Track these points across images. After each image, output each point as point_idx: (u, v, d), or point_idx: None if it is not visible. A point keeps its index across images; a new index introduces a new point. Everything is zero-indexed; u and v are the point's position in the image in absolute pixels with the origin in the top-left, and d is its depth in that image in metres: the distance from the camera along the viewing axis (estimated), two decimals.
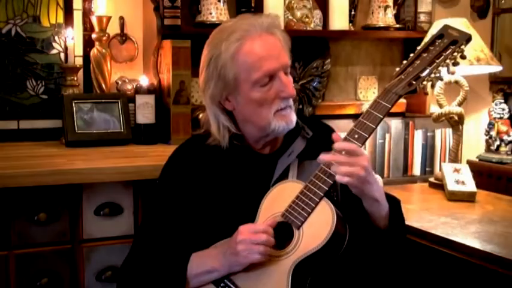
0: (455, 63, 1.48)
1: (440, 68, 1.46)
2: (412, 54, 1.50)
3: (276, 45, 1.50)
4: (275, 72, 1.49)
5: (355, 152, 1.40)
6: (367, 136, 1.43)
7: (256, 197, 1.49)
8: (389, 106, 1.44)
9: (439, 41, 1.49)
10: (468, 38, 1.48)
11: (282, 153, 1.58)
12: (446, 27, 1.51)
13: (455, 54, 1.47)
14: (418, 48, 1.51)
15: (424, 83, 1.46)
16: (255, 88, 1.48)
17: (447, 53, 1.46)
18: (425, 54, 1.48)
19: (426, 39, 1.55)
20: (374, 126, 1.43)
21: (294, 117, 1.54)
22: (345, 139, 1.44)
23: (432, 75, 1.46)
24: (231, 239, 1.43)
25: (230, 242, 1.43)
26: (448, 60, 1.46)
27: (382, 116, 1.43)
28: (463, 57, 1.49)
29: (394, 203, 1.53)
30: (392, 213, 1.50)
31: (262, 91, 1.49)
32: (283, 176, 1.53)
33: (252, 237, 1.39)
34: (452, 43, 1.47)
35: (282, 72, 1.50)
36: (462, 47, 1.47)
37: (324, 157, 1.42)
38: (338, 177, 1.39)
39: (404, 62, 1.50)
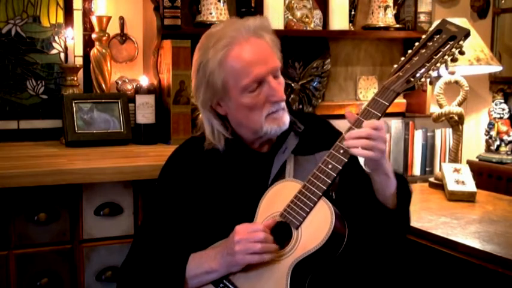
0: (454, 59, 1.46)
1: (438, 64, 1.44)
2: (410, 51, 1.49)
3: (264, 49, 1.49)
4: (263, 78, 1.48)
5: (378, 127, 1.39)
6: None
7: (255, 196, 1.49)
8: (388, 104, 1.43)
9: (437, 36, 1.47)
10: (467, 34, 1.46)
11: (277, 150, 1.57)
12: (444, 22, 1.49)
13: (453, 50, 1.45)
14: (416, 44, 1.49)
15: (422, 80, 1.44)
16: (244, 94, 1.48)
17: (445, 48, 1.44)
18: (423, 51, 1.46)
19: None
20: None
21: (286, 119, 1.53)
22: (343, 137, 1.44)
23: (430, 72, 1.44)
24: (228, 239, 1.43)
25: (227, 242, 1.43)
26: (446, 56, 1.45)
27: (380, 114, 1.43)
28: (461, 52, 1.47)
29: (401, 180, 1.52)
30: (400, 190, 1.49)
31: (252, 96, 1.48)
32: (281, 173, 1.53)
33: (249, 237, 1.39)
34: (450, 39, 1.45)
35: (270, 77, 1.49)
36: (461, 42, 1.45)
37: (349, 141, 1.39)
38: (359, 151, 1.37)
39: (402, 58, 1.48)
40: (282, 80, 1.53)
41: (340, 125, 1.74)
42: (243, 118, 1.52)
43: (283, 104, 1.53)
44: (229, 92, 1.49)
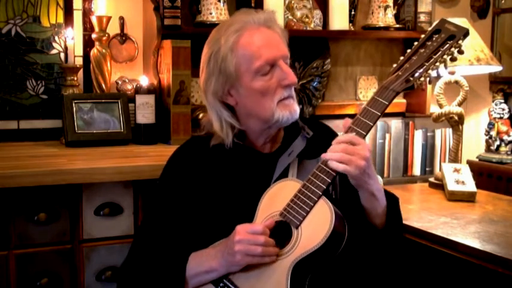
0: (453, 59, 1.46)
1: (437, 63, 1.44)
2: (409, 50, 1.48)
3: (274, 37, 1.51)
4: (275, 61, 1.49)
5: (355, 141, 1.40)
6: (364, 134, 1.43)
7: (256, 196, 1.49)
8: (387, 103, 1.43)
9: (436, 36, 1.47)
10: (466, 33, 1.46)
11: (282, 152, 1.57)
12: (443, 22, 1.49)
13: (452, 49, 1.45)
14: (415, 43, 1.49)
15: (422, 79, 1.44)
16: (256, 78, 1.48)
17: (444, 48, 1.44)
18: (422, 50, 1.46)
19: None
20: (372, 124, 1.43)
21: (297, 108, 1.53)
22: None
23: (429, 71, 1.44)
24: (228, 239, 1.43)
25: (227, 242, 1.43)
26: (445, 56, 1.45)
27: (379, 114, 1.43)
28: (460, 52, 1.46)
29: (392, 201, 1.53)
30: (389, 211, 1.50)
31: (264, 80, 1.49)
32: (283, 176, 1.53)
33: (249, 238, 1.39)
34: (449, 38, 1.45)
35: (282, 61, 1.50)
36: (460, 41, 1.45)
37: (325, 154, 1.41)
38: (334, 164, 1.38)
39: (402, 58, 1.48)
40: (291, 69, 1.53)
41: (340, 125, 1.74)
42: (254, 105, 1.51)
43: (294, 93, 1.53)
44: (241, 77, 1.49)
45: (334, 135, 1.65)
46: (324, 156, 1.42)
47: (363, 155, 1.38)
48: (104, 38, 2.57)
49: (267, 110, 1.50)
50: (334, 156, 1.39)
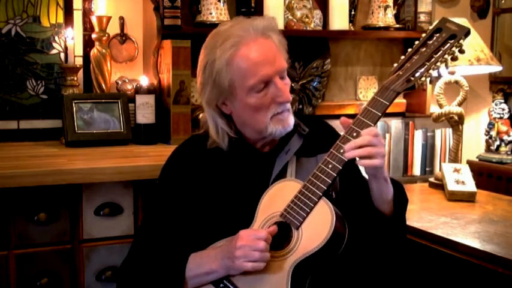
0: (454, 58, 1.45)
1: (439, 63, 1.43)
2: (410, 49, 1.48)
3: (271, 49, 1.49)
4: (270, 78, 1.47)
5: (377, 133, 1.40)
6: None
7: (256, 196, 1.49)
8: (388, 103, 1.42)
9: (437, 35, 1.46)
10: (467, 32, 1.45)
11: (280, 151, 1.57)
12: (444, 21, 1.48)
13: (453, 48, 1.44)
14: (416, 43, 1.48)
15: (423, 79, 1.43)
16: (250, 94, 1.48)
17: (445, 47, 1.43)
18: (423, 49, 1.45)
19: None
20: (372, 124, 1.42)
21: (291, 120, 1.53)
22: (343, 137, 1.44)
23: (431, 71, 1.43)
24: (230, 243, 1.43)
25: (229, 246, 1.42)
26: (446, 55, 1.44)
27: (380, 114, 1.42)
28: (461, 51, 1.46)
29: (397, 187, 1.53)
30: (397, 196, 1.50)
31: (258, 97, 1.48)
32: (282, 174, 1.53)
33: (251, 244, 1.38)
34: (450, 37, 1.44)
35: (277, 77, 1.49)
36: (461, 41, 1.44)
37: (350, 152, 1.39)
38: (365, 161, 1.37)
39: (402, 57, 1.47)
40: (288, 80, 1.53)
41: (340, 125, 1.74)
42: (248, 118, 1.52)
43: (289, 105, 1.53)
44: (235, 91, 1.49)
45: (332, 131, 1.65)
46: (349, 155, 1.38)
47: (383, 142, 1.39)
48: (104, 38, 2.57)
49: (261, 123, 1.50)
50: (363, 152, 1.38)
